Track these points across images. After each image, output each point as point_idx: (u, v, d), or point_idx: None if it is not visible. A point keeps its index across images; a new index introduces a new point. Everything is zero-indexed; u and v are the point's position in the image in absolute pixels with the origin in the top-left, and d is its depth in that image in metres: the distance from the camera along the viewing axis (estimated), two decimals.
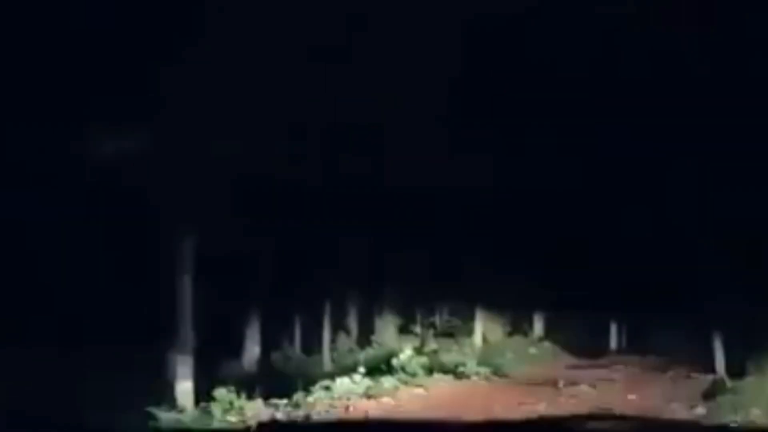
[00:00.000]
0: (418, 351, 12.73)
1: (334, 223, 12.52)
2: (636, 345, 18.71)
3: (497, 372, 12.57)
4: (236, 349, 13.65)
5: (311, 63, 9.04)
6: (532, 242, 15.04)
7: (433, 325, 18.00)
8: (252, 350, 14.31)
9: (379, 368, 10.72)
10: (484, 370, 12.29)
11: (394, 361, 11.51)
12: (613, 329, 20.35)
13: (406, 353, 11.69)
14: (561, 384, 10.76)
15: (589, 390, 10.80)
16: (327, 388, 8.89)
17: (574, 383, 11.09)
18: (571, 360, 16.57)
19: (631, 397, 10.12)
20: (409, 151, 10.76)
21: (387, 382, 9.54)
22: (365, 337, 16.73)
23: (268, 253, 13.72)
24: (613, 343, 20.42)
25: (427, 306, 18.20)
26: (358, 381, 9.00)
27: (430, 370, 11.46)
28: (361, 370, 9.31)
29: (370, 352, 15.13)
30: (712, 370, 11.86)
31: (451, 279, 16.23)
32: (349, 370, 12.49)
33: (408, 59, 9.04)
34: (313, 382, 9.62)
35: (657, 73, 9.14)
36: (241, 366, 13.45)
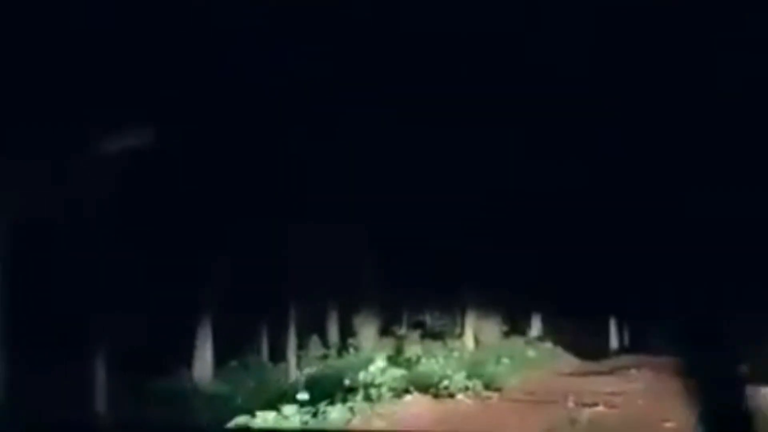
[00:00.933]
0: (394, 360, 9.68)
1: (318, 217, 10.70)
2: (640, 343, 16.17)
3: (490, 385, 9.51)
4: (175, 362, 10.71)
5: None
6: (529, 239, 13.44)
7: (421, 325, 15.16)
8: (203, 360, 11.51)
9: (339, 387, 7.67)
10: (473, 382, 9.24)
11: (361, 376, 8.46)
12: (614, 327, 17.87)
13: (377, 364, 8.64)
14: (571, 402, 7.72)
15: (609, 412, 7.74)
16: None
17: (586, 402, 8.02)
18: (574, 363, 13.59)
19: (669, 425, 7.05)
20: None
21: (335, 412, 6.47)
22: (345, 340, 13.92)
23: (231, 250, 11.30)
24: (615, 342, 17.76)
25: (415, 304, 15.57)
26: (290, 414, 5.94)
27: (405, 388, 8.39)
28: (303, 396, 6.26)
29: (343, 361, 12.23)
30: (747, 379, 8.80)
31: (442, 275, 14.00)
32: (318, 383, 9.58)
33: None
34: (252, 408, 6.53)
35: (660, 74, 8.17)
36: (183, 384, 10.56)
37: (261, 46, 8.87)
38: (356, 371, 9.31)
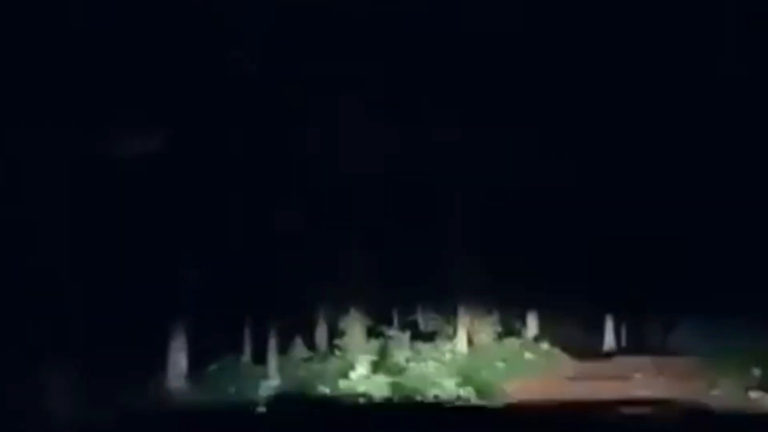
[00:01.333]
0: (378, 366, 8.62)
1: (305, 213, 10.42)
2: (639, 342, 15.13)
3: (483, 393, 8.43)
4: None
5: None
6: (526, 236, 12.71)
7: (414, 325, 14.09)
8: (178, 366, 10.44)
9: (314, 398, 6.61)
10: (465, 390, 8.15)
11: (341, 384, 7.40)
12: (612, 326, 16.82)
13: (359, 371, 7.59)
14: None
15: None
16: None
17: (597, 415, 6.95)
18: (575, 366, 12.45)
19: None
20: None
21: None
22: (332, 341, 12.83)
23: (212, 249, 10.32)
24: (612, 340, 16.68)
25: (407, 302, 14.51)
26: None
27: (390, 397, 7.33)
28: (261, 409, 5.26)
29: (327, 364, 11.16)
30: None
31: (435, 272, 13.02)
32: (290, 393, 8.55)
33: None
34: None
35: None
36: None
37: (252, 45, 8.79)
38: (338, 377, 8.27)
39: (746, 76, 8.50)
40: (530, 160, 11.52)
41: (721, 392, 8.31)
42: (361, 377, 7.60)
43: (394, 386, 7.77)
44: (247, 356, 11.68)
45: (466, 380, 8.68)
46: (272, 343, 10.69)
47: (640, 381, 9.99)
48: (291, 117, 9.43)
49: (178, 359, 10.19)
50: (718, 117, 9.30)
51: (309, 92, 9.08)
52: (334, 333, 12.46)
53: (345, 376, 7.74)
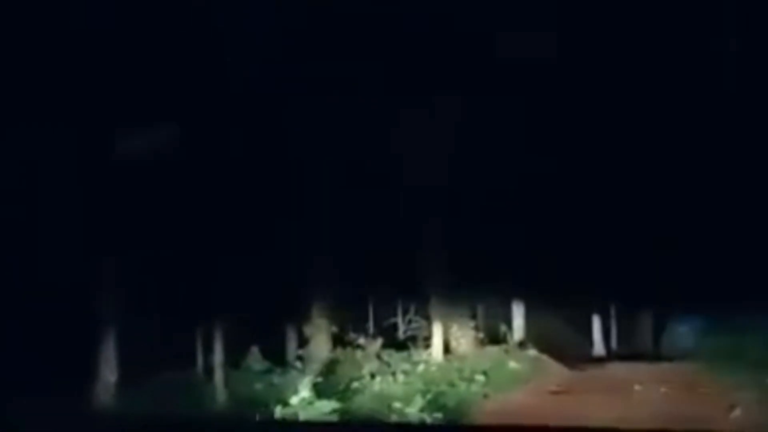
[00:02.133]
0: (323, 387, 6.97)
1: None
2: (631, 345, 13.78)
3: (456, 414, 6.81)
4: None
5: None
6: (511, 233, 11.57)
7: (393, 331, 12.60)
8: (105, 379, 8.90)
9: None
10: (431, 417, 6.51)
11: (278, 411, 5.80)
12: (601, 329, 15.45)
13: (301, 395, 5.97)
14: None
15: None
16: None
17: None
18: (565, 377, 10.92)
19: None
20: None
21: None
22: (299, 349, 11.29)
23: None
24: (601, 344, 15.30)
25: (386, 303, 13.09)
26: None
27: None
28: None
29: (285, 378, 9.57)
30: None
31: (404, 271, 11.70)
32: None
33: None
34: None
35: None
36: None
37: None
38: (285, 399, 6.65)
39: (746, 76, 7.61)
40: (522, 157, 10.88)
41: (742, 413, 6.70)
42: (304, 402, 5.97)
43: (343, 412, 6.13)
44: (197, 367, 10.31)
45: (435, 400, 7.04)
46: (218, 354, 9.20)
47: (639, 395, 8.45)
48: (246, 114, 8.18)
49: (108, 371, 8.77)
50: (716, 114, 8.17)
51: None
52: (302, 341, 10.98)
53: (283, 402, 6.11)
